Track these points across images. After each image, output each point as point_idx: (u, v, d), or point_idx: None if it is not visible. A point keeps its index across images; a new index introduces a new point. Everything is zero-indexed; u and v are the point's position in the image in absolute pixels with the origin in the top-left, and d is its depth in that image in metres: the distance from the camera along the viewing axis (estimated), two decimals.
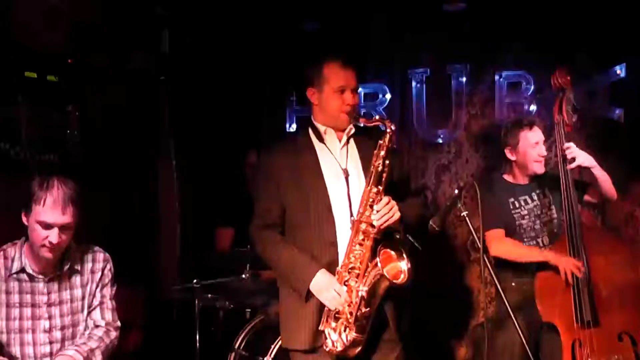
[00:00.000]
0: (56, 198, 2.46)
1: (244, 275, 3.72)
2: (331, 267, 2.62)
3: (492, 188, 3.54)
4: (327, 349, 2.56)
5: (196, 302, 3.69)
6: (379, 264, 2.49)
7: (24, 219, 2.51)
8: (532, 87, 4.43)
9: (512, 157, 3.47)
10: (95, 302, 2.68)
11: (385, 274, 2.49)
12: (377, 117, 2.73)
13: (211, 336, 3.84)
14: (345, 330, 2.53)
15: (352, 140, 2.76)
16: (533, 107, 4.42)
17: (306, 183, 2.68)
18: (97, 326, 2.67)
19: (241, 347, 3.65)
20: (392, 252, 2.57)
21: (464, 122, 4.61)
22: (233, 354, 3.66)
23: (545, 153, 3.41)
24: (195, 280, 3.67)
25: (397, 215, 2.57)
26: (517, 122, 3.52)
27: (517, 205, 3.42)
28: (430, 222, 2.64)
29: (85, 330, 2.66)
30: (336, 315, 2.56)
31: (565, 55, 4.15)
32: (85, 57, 3.87)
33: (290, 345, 2.72)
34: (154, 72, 4.52)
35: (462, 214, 2.60)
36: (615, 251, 3.20)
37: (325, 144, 2.74)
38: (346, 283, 2.56)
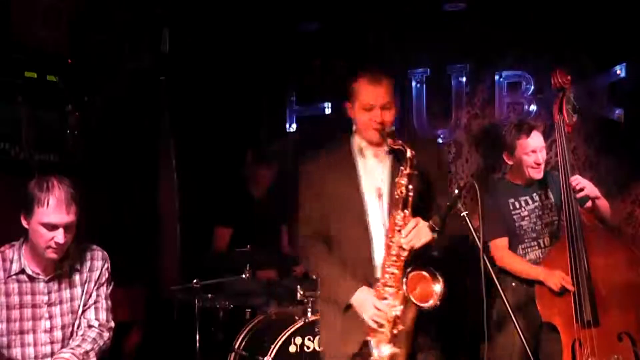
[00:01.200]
0: (59, 199, 2.45)
1: (244, 276, 3.72)
2: (367, 283, 2.62)
3: (493, 189, 3.54)
4: (372, 359, 2.56)
5: (196, 302, 3.69)
6: (404, 288, 2.51)
7: (23, 222, 2.50)
8: (532, 87, 4.42)
9: (509, 162, 3.46)
10: (91, 301, 2.66)
11: (412, 298, 2.51)
12: (399, 141, 2.67)
13: (211, 336, 3.84)
14: (388, 344, 2.54)
15: (390, 158, 2.71)
16: (533, 107, 4.42)
17: (346, 199, 2.67)
18: (90, 326, 2.65)
19: (241, 347, 3.65)
20: (425, 273, 2.56)
21: (464, 122, 4.61)
22: (233, 354, 3.66)
23: (541, 161, 3.37)
24: (195, 280, 3.67)
25: (426, 238, 2.54)
26: (517, 126, 3.47)
27: (518, 206, 3.42)
28: (430, 222, 2.64)
29: (78, 328, 2.64)
30: (378, 327, 2.56)
31: (565, 55, 4.15)
32: (85, 57, 3.87)
33: (332, 353, 2.72)
34: (154, 72, 4.52)
35: (462, 214, 2.59)
36: (615, 252, 3.19)
37: (364, 159, 2.72)
38: (384, 299, 2.57)
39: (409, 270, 2.54)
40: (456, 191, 2.62)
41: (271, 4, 4.65)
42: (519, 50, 4.45)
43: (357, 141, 2.75)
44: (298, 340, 3.44)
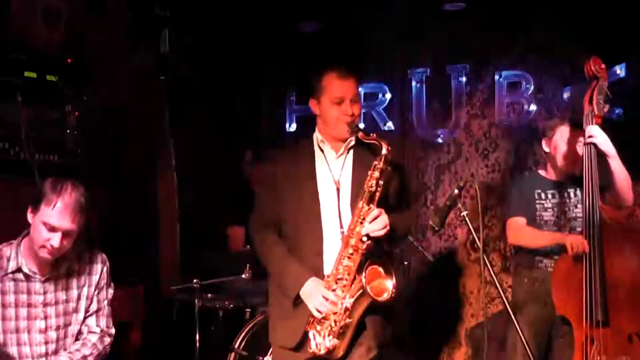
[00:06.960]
0: (67, 203, 2.44)
1: (244, 275, 3.72)
2: (316, 276, 2.62)
3: (520, 180, 3.56)
4: (310, 350, 2.58)
5: (196, 302, 3.69)
6: (363, 280, 2.50)
7: (29, 215, 2.50)
8: (532, 87, 4.43)
9: (547, 149, 3.38)
10: (93, 307, 2.66)
11: (369, 290, 2.50)
12: (374, 135, 2.67)
13: (211, 336, 3.84)
14: (328, 336, 2.55)
15: (351, 152, 2.74)
16: (533, 107, 4.42)
17: (300, 192, 2.69)
18: (91, 332, 2.66)
19: (241, 347, 3.65)
20: (381, 269, 2.57)
21: (464, 122, 4.61)
22: (233, 354, 3.66)
23: (577, 152, 3.24)
24: (195, 280, 3.67)
25: (387, 228, 2.55)
26: (562, 118, 3.48)
27: (543, 197, 3.32)
28: (430, 222, 2.64)
29: (78, 333, 2.65)
30: (322, 319, 2.57)
31: (565, 55, 4.15)
32: (85, 57, 3.87)
33: (276, 341, 2.74)
34: (154, 72, 4.52)
35: (462, 214, 2.59)
36: (631, 252, 3.09)
37: (323, 153, 2.75)
38: (333, 291, 2.57)
39: (367, 264, 2.54)
40: (456, 191, 2.62)
41: (271, 4, 4.65)
42: (518, 50, 4.45)
43: (318, 137, 2.79)
44: None
